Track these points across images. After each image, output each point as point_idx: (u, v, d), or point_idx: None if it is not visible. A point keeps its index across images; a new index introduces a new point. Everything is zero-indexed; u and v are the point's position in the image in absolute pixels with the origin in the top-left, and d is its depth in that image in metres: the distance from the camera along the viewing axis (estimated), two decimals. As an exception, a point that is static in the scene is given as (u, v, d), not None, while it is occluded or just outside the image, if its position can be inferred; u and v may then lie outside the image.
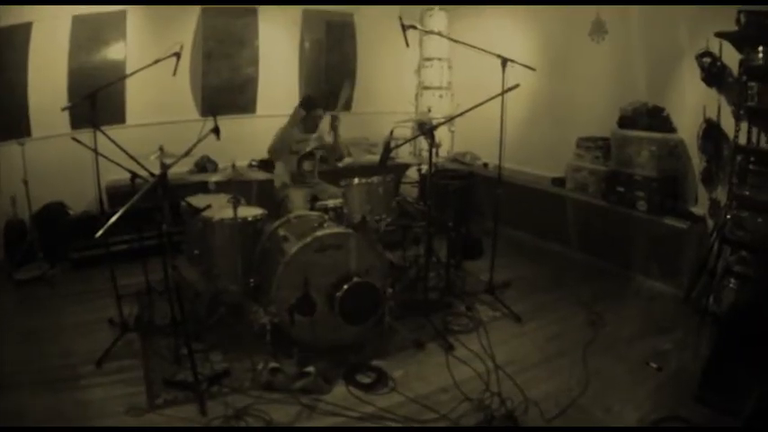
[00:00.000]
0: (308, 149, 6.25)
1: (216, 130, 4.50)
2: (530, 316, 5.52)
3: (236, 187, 5.06)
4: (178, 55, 5.21)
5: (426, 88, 9.68)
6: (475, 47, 5.50)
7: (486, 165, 8.78)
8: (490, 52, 5.30)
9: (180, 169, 7.00)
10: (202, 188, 6.17)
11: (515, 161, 8.11)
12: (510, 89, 5.04)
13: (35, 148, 6.62)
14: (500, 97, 5.13)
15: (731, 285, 5.22)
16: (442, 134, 8.84)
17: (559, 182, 7.58)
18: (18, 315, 5.72)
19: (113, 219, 3.44)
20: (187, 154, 4.31)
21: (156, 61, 5.19)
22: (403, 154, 9.19)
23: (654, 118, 6.40)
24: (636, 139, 6.42)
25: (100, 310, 5.50)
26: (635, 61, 6.72)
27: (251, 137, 8.20)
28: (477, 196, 7.50)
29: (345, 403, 4.07)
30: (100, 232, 3.39)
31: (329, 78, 9.31)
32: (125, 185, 4.70)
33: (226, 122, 4.95)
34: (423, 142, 7.34)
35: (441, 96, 9.56)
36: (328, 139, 6.32)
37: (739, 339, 3.87)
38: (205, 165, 7.88)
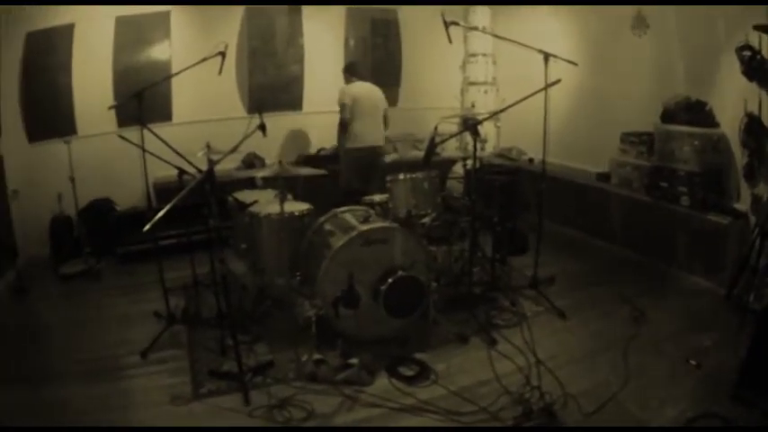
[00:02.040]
0: None
1: (262, 127, 4.62)
2: (573, 311, 5.52)
3: (284, 183, 5.16)
4: (223, 54, 5.30)
5: (471, 84, 9.71)
6: (516, 42, 5.53)
7: (531, 160, 8.77)
8: (532, 47, 5.31)
9: (227, 166, 7.18)
10: (250, 184, 6.31)
11: (561, 156, 8.16)
12: (551, 85, 5.02)
13: (81, 146, 6.86)
14: (544, 92, 5.12)
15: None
16: (487, 129, 8.86)
17: (604, 177, 7.55)
18: (63, 308, 5.91)
19: (161, 213, 3.56)
20: (233, 150, 4.44)
21: (202, 60, 5.30)
22: (449, 149, 9.23)
23: (696, 112, 6.31)
24: (678, 134, 6.36)
25: (146, 303, 5.66)
26: (677, 55, 6.68)
27: (298, 133, 8.38)
28: (522, 192, 7.51)
29: (387, 395, 4.13)
30: (147, 226, 3.51)
31: (377, 75, 9.39)
32: (173, 182, 4.83)
33: (273, 120, 5.07)
34: (468, 137, 7.36)
35: (485, 92, 9.57)
36: None
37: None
38: (252, 161, 8.04)
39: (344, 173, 7.18)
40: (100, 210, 7.31)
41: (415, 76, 9.67)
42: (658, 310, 5.51)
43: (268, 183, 5.81)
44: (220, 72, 5.36)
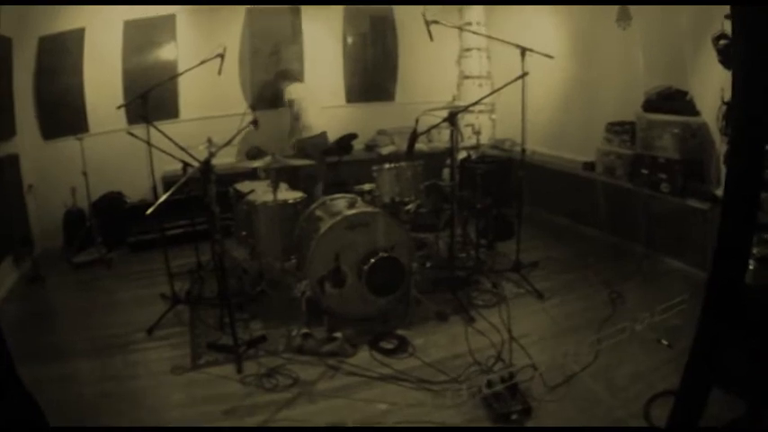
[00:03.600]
0: None
1: (254, 122, 5.00)
2: (552, 293, 5.75)
3: (276, 174, 5.52)
4: (222, 56, 5.63)
5: (467, 78, 9.88)
6: (494, 38, 5.75)
7: (524, 151, 8.98)
8: (509, 42, 5.57)
9: (232, 159, 7.60)
10: (253, 175, 6.67)
11: (551, 147, 8.43)
12: (519, 78, 5.28)
13: (93, 143, 7.23)
14: (522, 85, 5.39)
15: (750, 268, 5.30)
16: (482, 121, 9.07)
17: (590, 166, 7.71)
18: (76, 293, 6.29)
19: (163, 198, 3.96)
20: (228, 143, 4.79)
21: (201, 63, 5.66)
22: (444, 140, 9.42)
23: (677, 101, 6.46)
24: (659, 123, 6.52)
25: (154, 287, 6.03)
26: (660, 46, 6.79)
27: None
28: (511, 181, 7.68)
29: (366, 365, 4.48)
30: (150, 209, 3.91)
31: (374, 71, 9.74)
32: (179, 175, 5.09)
33: (275, 115, 5.28)
34: (464, 130, 7.55)
35: (480, 85, 9.70)
36: None
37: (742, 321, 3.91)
38: (255, 154, 8.38)
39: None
40: (111, 202, 7.67)
41: (412, 71, 9.87)
42: (637, 292, 5.67)
43: (270, 174, 6.11)
44: (220, 72, 5.66)
